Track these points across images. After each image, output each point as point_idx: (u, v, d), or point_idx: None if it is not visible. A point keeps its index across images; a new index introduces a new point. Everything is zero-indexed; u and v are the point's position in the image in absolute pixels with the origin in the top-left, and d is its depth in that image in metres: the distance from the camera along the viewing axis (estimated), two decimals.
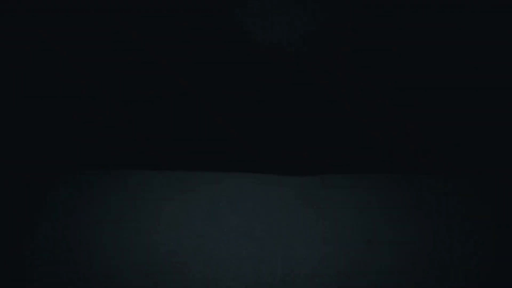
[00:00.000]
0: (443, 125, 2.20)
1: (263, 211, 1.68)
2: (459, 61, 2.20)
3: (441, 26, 2.09)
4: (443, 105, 2.26)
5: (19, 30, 2.17)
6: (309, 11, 1.84)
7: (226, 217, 1.65)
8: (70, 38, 2.28)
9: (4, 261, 1.46)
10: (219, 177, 1.89)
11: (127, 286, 1.36)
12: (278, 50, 1.88)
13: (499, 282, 1.40)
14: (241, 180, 1.86)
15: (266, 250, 1.50)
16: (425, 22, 2.02)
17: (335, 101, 2.00)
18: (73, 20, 2.17)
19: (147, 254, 1.47)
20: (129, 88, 2.38)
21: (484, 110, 2.20)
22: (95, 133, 2.14)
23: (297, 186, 1.83)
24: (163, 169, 1.91)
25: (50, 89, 2.28)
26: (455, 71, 2.25)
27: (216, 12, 1.93)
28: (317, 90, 1.98)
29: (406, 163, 1.97)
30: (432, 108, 2.25)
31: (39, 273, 1.41)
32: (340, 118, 2.04)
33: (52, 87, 2.29)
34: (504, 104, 2.17)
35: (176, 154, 2.04)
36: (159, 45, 2.07)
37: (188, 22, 1.98)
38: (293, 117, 2.01)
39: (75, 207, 1.69)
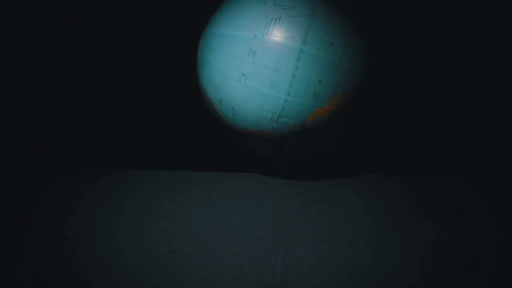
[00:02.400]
0: (443, 126, 2.20)
1: (263, 211, 1.68)
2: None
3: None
4: (443, 105, 2.26)
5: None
6: None
7: (226, 217, 1.65)
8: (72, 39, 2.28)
9: (4, 261, 1.46)
10: (219, 177, 1.89)
11: (127, 286, 1.36)
12: None
13: (499, 282, 1.40)
14: (241, 180, 1.87)
15: (266, 250, 1.50)
16: None
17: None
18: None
19: (147, 254, 1.47)
20: (129, 88, 2.38)
21: (483, 111, 2.20)
22: (95, 133, 2.14)
23: (297, 186, 1.83)
24: (163, 169, 1.91)
25: (50, 89, 2.29)
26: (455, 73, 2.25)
27: None
28: None
29: (406, 163, 1.97)
30: (432, 109, 2.26)
31: (39, 273, 1.41)
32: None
33: (51, 86, 2.29)
34: (504, 105, 2.17)
35: (176, 154, 2.04)
36: None
37: None
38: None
39: (75, 207, 1.69)
